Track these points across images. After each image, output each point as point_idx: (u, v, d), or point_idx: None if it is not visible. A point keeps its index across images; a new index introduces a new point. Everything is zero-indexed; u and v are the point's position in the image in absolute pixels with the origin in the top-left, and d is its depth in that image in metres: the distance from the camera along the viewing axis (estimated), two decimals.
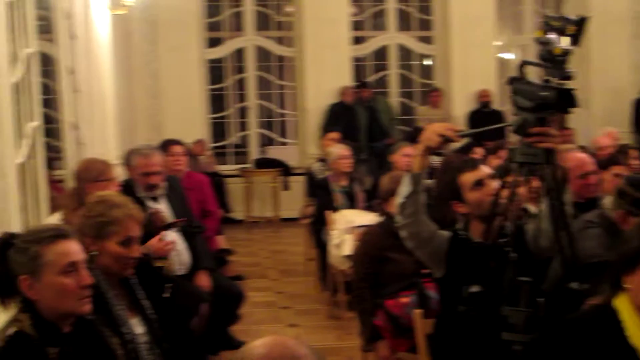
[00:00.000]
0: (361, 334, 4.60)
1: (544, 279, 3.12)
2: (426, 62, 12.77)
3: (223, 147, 12.25)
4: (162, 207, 5.03)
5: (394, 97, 12.34)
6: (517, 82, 2.90)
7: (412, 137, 7.76)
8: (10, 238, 2.49)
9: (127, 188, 4.90)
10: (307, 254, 7.98)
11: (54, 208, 5.01)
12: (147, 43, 11.08)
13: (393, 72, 12.39)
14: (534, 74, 2.92)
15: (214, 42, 12.00)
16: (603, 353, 2.20)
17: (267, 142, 12.69)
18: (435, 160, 5.74)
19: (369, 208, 6.32)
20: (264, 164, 11.77)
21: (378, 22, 12.46)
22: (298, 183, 10.10)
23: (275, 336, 1.56)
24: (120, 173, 5.69)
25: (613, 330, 2.22)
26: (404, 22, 12.39)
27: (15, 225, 3.82)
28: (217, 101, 12.12)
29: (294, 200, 10.17)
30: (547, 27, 2.78)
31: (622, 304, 2.24)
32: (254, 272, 8.22)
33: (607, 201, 3.89)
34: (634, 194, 3.58)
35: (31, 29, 4.73)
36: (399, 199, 3.26)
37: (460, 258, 3.22)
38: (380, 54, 12.40)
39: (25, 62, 4.55)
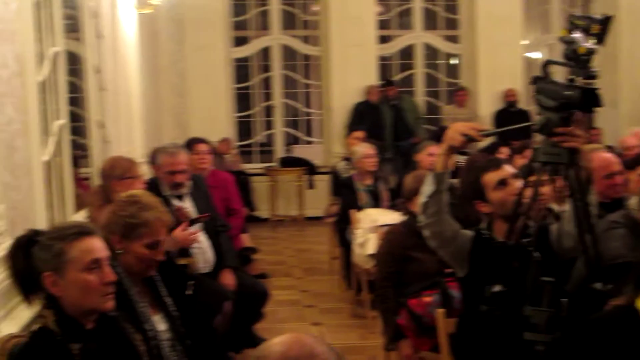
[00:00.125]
0: (384, 332, 4.60)
1: (567, 280, 3.10)
2: (452, 61, 12.72)
3: (248, 145, 12.28)
4: (187, 206, 5.05)
5: (420, 96, 12.30)
6: (541, 82, 2.88)
7: (438, 136, 7.70)
8: (34, 235, 2.50)
9: (153, 186, 4.92)
10: (331, 252, 8.00)
11: (79, 205, 5.05)
12: (174, 42, 11.14)
13: (419, 71, 12.34)
14: (559, 74, 2.90)
15: (240, 41, 12.04)
16: (625, 353, 2.19)
17: (292, 140, 12.73)
18: (461, 160, 5.72)
19: (393, 207, 6.30)
20: (289, 162, 11.81)
21: (404, 21, 12.43)
22: (323, 182, 10.14)
23: (293, 333, 1.57)
24: (145, 171, 5.72)
25: (636, 331, 2.21)
26: (430, 21, 12.35)
27: (41, 222, 3.86)
28: (242, 100, 12.16)
29: (318, 199, 10.19)
30: (572, 26, 2.77)
31: None
32: (278, 271, 8.25)
33: (633, 202, 3.85)
34: None
35: (58, 28, 4.77)
36: (422, 198, 3.26)
37: (483, 257, 3.21)
38: (406, 53, 12.36)
39: (52, 61, 4.60)
